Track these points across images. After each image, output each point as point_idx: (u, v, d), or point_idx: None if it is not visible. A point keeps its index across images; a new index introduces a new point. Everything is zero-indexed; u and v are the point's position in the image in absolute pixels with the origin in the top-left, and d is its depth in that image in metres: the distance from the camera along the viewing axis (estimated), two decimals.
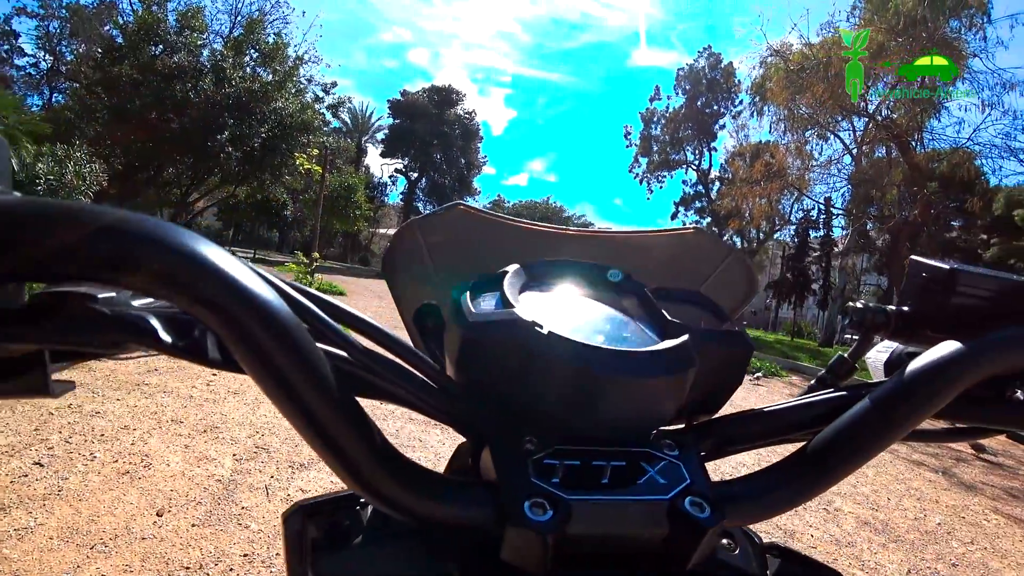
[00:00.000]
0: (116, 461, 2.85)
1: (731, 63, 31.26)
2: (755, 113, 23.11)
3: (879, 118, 17.45)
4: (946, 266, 0.42)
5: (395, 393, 0.37)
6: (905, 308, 0.44)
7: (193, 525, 2.39)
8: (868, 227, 21.87)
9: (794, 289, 30.86)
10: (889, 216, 18.84)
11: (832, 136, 20.25)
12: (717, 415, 0.42)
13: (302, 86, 20.31)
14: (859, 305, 0.45)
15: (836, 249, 27.15)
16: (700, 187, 34.80)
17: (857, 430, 0.35)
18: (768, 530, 3.31)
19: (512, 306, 0.36)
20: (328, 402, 0.27)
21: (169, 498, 2.58)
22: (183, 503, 2.55)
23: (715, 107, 34.06)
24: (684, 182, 36.48)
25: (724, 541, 0.42)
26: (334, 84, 22.59)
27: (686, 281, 0.48)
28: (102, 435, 3.14)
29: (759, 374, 10.72)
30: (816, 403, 0.41)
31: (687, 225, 0.53)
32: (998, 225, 19.03)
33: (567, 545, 0.31)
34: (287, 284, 0.31)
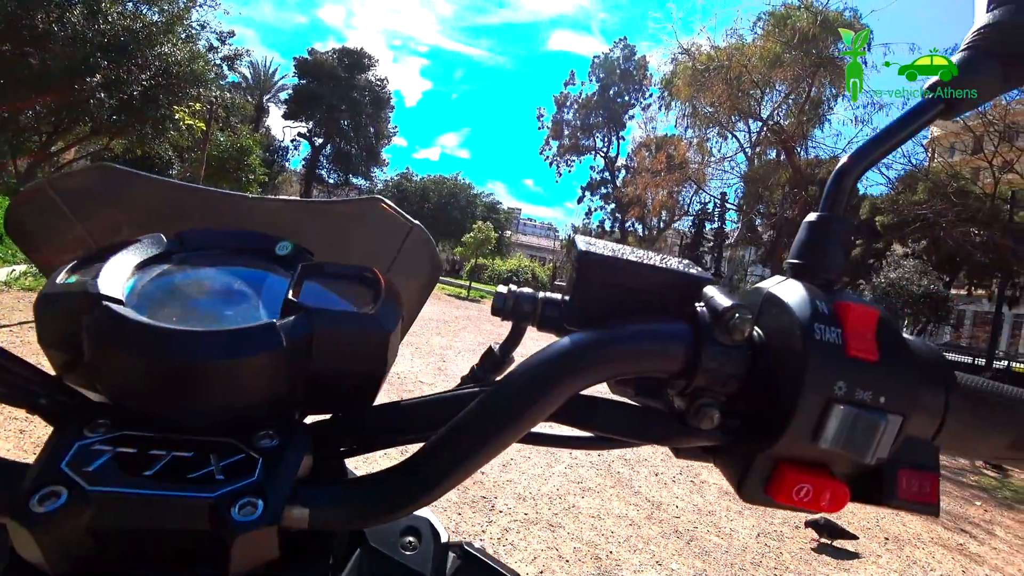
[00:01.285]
0: None
1: (644, 57, 32.35)
2: (663, 107, 24.18)
3: (771, 123, 18.87)
4: (582, 247, 0.36)
5: None
6: (555, 297, 0.38)
7: None
8: (756, 222, 23.71)
9: None
10: (774, 213, 20.52)
11: (730, 135, 21.66)
12: (374, 405, 0.37)
13: (194, 32, 18.37)
14: (504, 291, 0.38)
15: (728, 241, 29.26)
16: (607, 174, 35.97)
17: (462, 434, 0.31)
18: (637, 503, 3.49)
19: (95, 277, 0.32)
20: None
21: None
22: None
23: (626, 98, 35.20)
24: (592, 168, 37.54)
25: (408, 539, 0.41)
26: (232, 34, 20.42)
27: (373, 258, 0.43)
28: None
29: None
30: (446, 400, 0.36)
31: (371, 195, 0.45)
32: (863, 229, 21.35)
33: (108, 541, 0.28)
34: None
